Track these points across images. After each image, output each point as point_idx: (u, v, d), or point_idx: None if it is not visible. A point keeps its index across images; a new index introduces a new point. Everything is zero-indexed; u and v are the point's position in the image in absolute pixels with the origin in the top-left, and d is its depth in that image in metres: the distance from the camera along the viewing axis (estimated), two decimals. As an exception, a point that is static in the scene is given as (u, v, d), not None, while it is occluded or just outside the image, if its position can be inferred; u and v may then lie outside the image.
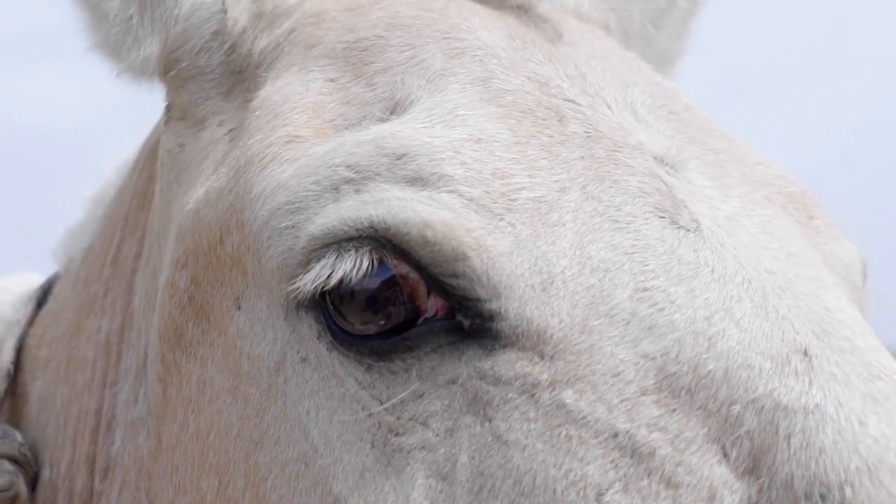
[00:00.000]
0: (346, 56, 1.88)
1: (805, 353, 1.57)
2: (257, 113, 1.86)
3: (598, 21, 2.28)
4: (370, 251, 1.63)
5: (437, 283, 1.61)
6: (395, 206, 1.63)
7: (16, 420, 2.17)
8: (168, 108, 2.04)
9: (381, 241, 1.63)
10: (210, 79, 1.99)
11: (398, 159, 1.67)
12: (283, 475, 1.71)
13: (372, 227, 1.63)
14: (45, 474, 2.13)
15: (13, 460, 2.08)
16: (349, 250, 1.64)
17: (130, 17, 2.00)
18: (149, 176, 2.13)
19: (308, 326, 1.70)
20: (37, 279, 2.35)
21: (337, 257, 1.64)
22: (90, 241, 2.24)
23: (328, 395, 1.68)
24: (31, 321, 2.26)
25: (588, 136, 1.75)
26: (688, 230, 1.67)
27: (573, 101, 1.81)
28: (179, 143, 1.99)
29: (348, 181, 1.68)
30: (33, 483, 2.11)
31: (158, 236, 2.01)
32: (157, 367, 1.92)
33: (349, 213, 1.65)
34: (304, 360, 1.71)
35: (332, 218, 1.66)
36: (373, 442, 1.63)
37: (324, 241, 1.66)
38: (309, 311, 1.69)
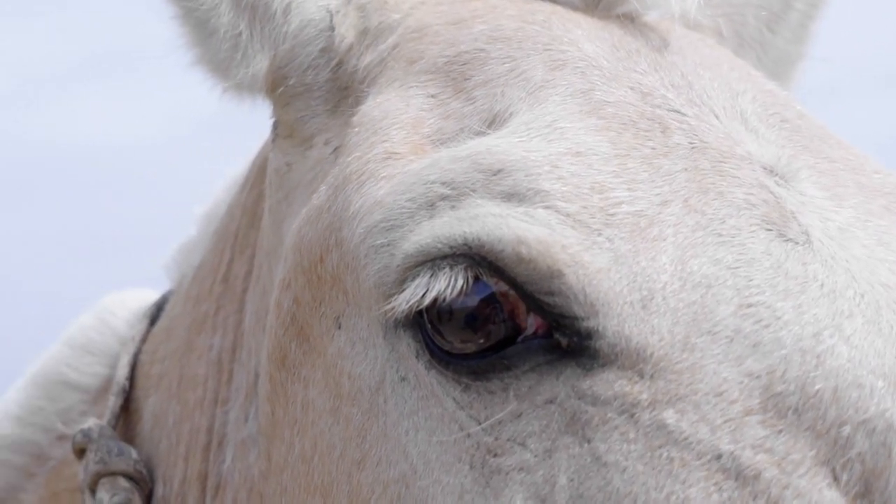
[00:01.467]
0: (447, 70, 1.85)
1: None
2: (357, 129, 1.84)
3: (710, 28, 2.22)
4: (465, 269, 1.61)
5: (534, 300, 1.58)
6: (489, 222, 1.61)
7: (129, 437, 2.19)
8: (275, 126, 2.03)
9: (475, 258, 1.60)
10: (317, 96, 1.97)
11: (494, 175, 1.64)
12: (385, 496, 1.69)
13: (466, 244, 1.61)
14: (159, 491, 2.14)
15: (129, 477, 2.09)
16: (444, 268, 1.61)
17: (240, 34, 1.99)
18: (258, 194, 2.13)
19: (406, 345, 1.68)
20: (150, 296, 2.38)
21: (431, 276, 1.62)
22: (201, 258, 2.26)
23: (427, 414, 1.66)
24: (144, 338, 2.28)
25: (693, 148, 1.70)
26: (796, 243, 1.61)
27: (678, 112, 1.76)
28: (287, 162, 1.98)
29: (444, 198, 1.66)
30: (148, 499, 2.12)
31: (268, 255, 2.01)
32: (266, 387, 1.92)
33: (443, 230, 1.63)
34: (403, 379, 1.69)
35: (427, 235, 1.64)
36: (471, 463, 1.61)
37: (418, 259, 1.64)
38: (407, 329, 1.67)
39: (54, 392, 2.30)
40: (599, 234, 1.60)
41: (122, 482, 2.08)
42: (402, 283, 1.65)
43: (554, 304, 1.57)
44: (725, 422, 1.50)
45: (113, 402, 2.20)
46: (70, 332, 2.34)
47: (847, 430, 1.47)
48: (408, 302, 1.63)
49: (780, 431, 1.49)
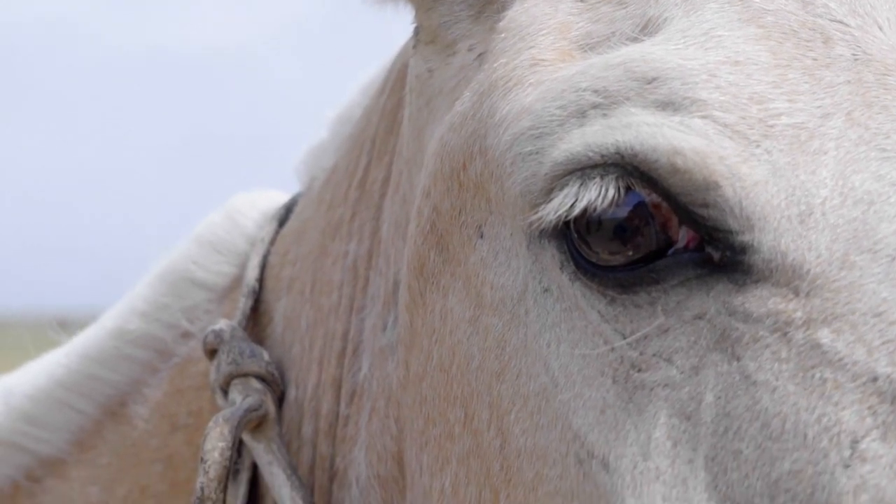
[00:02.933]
0: None
1: None
2: (503, 35, 1.79)
3: None
4: (616, 179, 1.56)
5: (687, 213, 1.54)
6: (643, 131, 1.56)
7: (259, 338, 2.19)
8: (416, 31, 1.99)
9: (627, 168, 1.56)
10: (460, 0, 1.92)
11: (649, 83, 1.59)
12: (525, 409, 1.68)
13: (619, 153, 1.56)
14: (291, 394, 2.14)
15: (261, 379, 2.10)
16: (594, 178, 1.57)
17: None
18: (398, 100, 2.10)
19: (551, 256, 1.65)
20: (280, 197, 2.37)
21: (581, 185, 1.58)
22: (334, 162, 2.24)
23: (570, 327, 1.63)
24: (273, 240, 2.27)
25: (856, 60, 1.63)
26: None
27: (841, 22, 1.69)
28: (429, 69, 1.94)
29: (595, 106, 1.61)
30: (279, 402, 2.13)
31: (408, 163, 1.99)
32: (405, 297, 1.91)
33: (595, 138, 1.58)
34: (546, 290, 1.66)
35: (577, 143, 1.60)
36: (614, 377, 1.58)
37: (567, 167, 1.60)
38: (552, 240, 1.64)
39: (180, 289, 2.30)
40: (758, 146, 1.54)
41: (255, 383, 2.09)
42: (549, 192, 1.62)
43: (708, 217, 1.53)
44: (883, 343, 1.45)
45: (243, 303, 2.20)
46: (199, 230, 2.33)
47: None
48: (556, 212, 1.59)
49: None
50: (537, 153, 1.65)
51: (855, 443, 1.43)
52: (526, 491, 1.66)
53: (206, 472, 1.96)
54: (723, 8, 1.67)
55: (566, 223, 1.61)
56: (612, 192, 1.56)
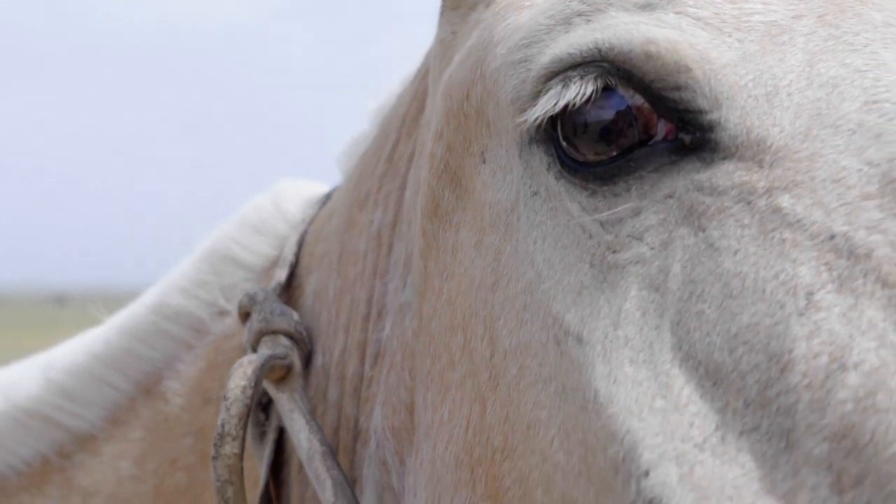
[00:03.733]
0: None
1: None
2: None
3: None
4: (595, 78, 1.65)
5: (661, 99, 1.62)
6: (620, 28, 1.66)
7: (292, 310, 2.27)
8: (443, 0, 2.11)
9: (605, 66, 1.65)
10: None
11: None
12: (513, 310, 1.74)
13: (597, 48, 1.65)
14: (318, 360, 2.21)
15: (289, 336, 2.17)
16: (574, 78, 1.66)
17: None
18: (432, 79, 2.19)
19: (539, 160, 1.73)
20: (323, 187, 2.49)
21: (563, 86, 1.67)
22: (367, 146, 2.36)
23: (555, 223, 1.71)
24: (311, 221, 2.38)
25: None
26: None
27: None
28: (452, 31, 2.04)
29: (580, 14, 1.72)
30: (306, 363, 2.20)
31: (428, 124, 2.07)
32: (420, 244, 1.98)
33: (576, 39, 1.68)
34: (535, 193, 1.74)
35: (561, 46, 1.69)
36: (591, 261, 1.65)
37: (552, 69, 1.69)
38: (540, 144, 1.73)
39: (220, 267, 2.40)
40: (730, 36, 1.63)
41: (283, 340, 2.17)
42: (536, 95, 1.71)
43: (680, 100, 1.61)
44: (841, 205, 1.50)
45: (279, 273, 2.30)
46: (243, 211, 2.44)
47: None
48: (542, 110, 1.68)
49: None
50: (526, 60, 1.75)
51: (810, 294, 1.47)
52: (510, 389, 1.72)
53: (228, 409, 2.02)
54: None
55: (553, 126, 1.70)
56: (590, 88, 1.64)
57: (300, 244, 2.35)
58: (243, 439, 2.03)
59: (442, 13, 2.11)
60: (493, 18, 1.88)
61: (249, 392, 2.04)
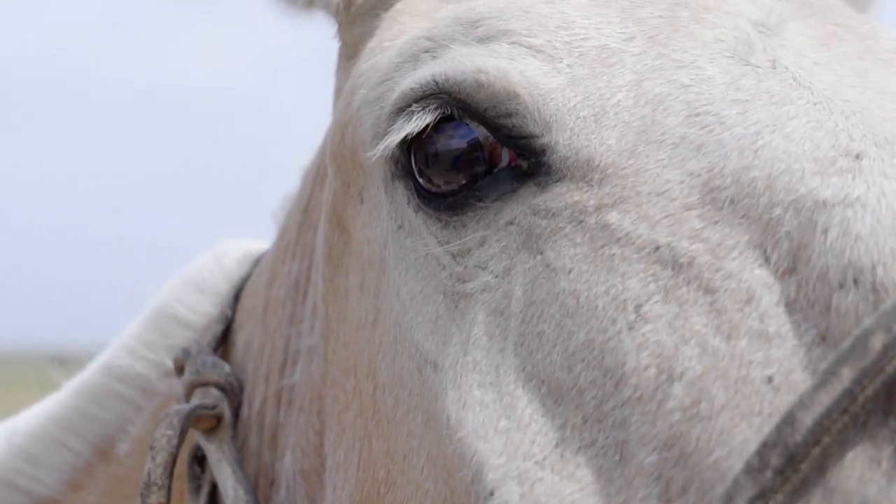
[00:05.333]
0: None
1: (857, 157, 1.50)
2: (382, 21, 1.97)
3: None
4: (434, 109, 1.70)
5: (496, 127, 1.66)
6: (457, 61, 1.71)
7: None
8: (340, 50, 2.15)
9: (443, 97, 1.70)
10: (378, 11, 2.05)
11: (472, 25, 1.75)
12: (388, 343, 1.79)
13: (434, 81, 1.71)
14: (245, 411, 2.24)
15: (220, 388, 2.20)
16: (416, 111, 1.71)
17: None
18: None
19: (401, 194, 1.79)
20: (265, 244, 2.55)
21: (406, 120, 1.72)
22: (294, 200, 2.42)
23: (416, 255, 1.75)
24: (247, 278, 2.43)
25: (675, 3, 1.75)
26: (757, 67, 1.64)
27: None
28: (347, 80, 2.06)
29: (426, 50, 1.77)
30: (236, 414, 2.23)
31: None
32: (321, 289, 2.03)
33: (419, 74, 1.74)
34: (399, 227, 1.79)
35: (407, 82, 1.75)
36: (445, 292, 1.70)
37: (399, 104, 1.75)
38: (401, 179, 1.78)
39: (165, 327, 2.45)
40: (560, 62, 1.67)
41: (214, 391, 2.20)
42: (388, 131, 1.76)
43: (513, 126, 1.65)
44: (665, 217, 1.54)
45: (215, 327, 2.34)
46: (187, 270, 2.50)
47: (778, 211, 1.49)
48: (388, 142, 1.74)
49: (717, 222, 1.51)
50: (380, 98, 1.82)
51: (639, 307, 1.51)
52: (389, 422, 1.76)
53: (154, 459, 2.06)
54: None
55: (408, 159, 1.75)
56: (428, 119, 1.70)
57: (236, 299, 2.41)
58: (169, 489, 2.06)
59: (338, 63, 2.17)
60: (361, 61, 1.94)
61: (175, 441, 2.07)
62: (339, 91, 2.14)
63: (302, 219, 2.28)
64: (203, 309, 2.46)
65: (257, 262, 2.47)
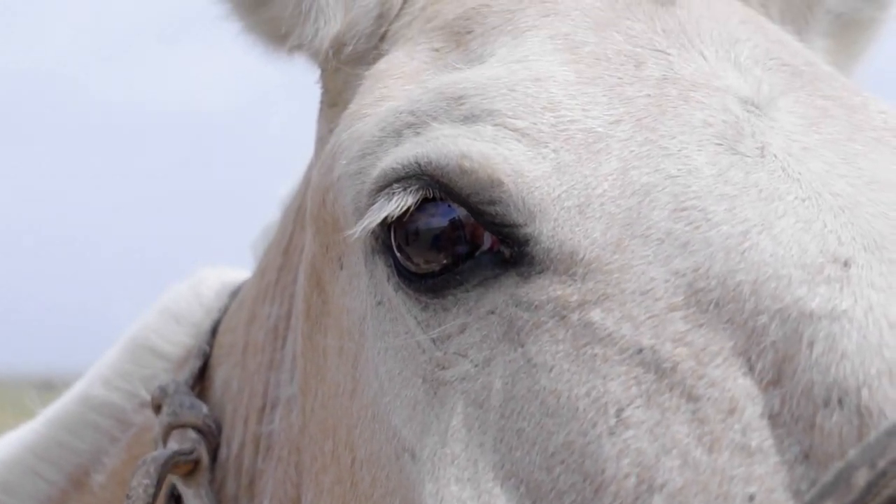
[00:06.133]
0: (453, 26, 1.92)
1: (845, 264, 1.48)
2: (365, 80, 1.93)
3: None
4: (416, 190, 1.67)
5: (479, 213, 1.63)
6: (440, 142, 1.68)
7: (203, 402, 2.27)
8: (322, 96, 2.12)
9: (425, 179, 1.67)
10: (364, 62, 2.02)
11: (455, 101, 1.71)
12: (366, 420, 1.77)
13: (417, 163, 1.67)
14: (223, 453, 2.23)
15: (197, 430, 2.20)
16: (398, 191, 1.68)
17: None
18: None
19: (381, 270, 1.76)
20: (243, 273, 2.52)
21: (387, 199, 1.69)
22: (272, 236, 2.40)
23: (395, 334, 1.73)
24: (225, 310, 2.41)
25: (664, 79, 1.72)
26: (746, 156, 1.61)
27: (661, 51, 1.77)
28: (330, 129, 2.04)
29: (409, 125, 1.74)
30: (214, 455, 2.23)
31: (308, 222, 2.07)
32: (300, 343, 2.02)
33: (402, 153, 1.70)
34: (379, 303, 1.77)
35: (390, 160, 1.72)
36: (424, 377, 1.68)
37: (380, 183, 1.71)
38: (381, 254, 1.75)
39: (141, 358, 2.44)
40: (546, 146, 1.64)
41: (191, 434, 2.19)
42: (370, 207, 1.73)
43: (496, 214, 1.62)
44: (649, 318, 1.52)
45: (193, 363, 2.33)
46: (163, 300, 2.48)
47: (763, 319, 1.47)
48: (368, 222, 1.71)
49: (701, 325, 1.49)
50: (360, 172, 1.78)
51: (620, 411, 1.49)
52: (366, 499, 1.75)
53: None
54: (543, 41, 1.79)
55: (388, 235, 1.72)
56: (409, 201, 1.67)
57: (213, 333, 2.39)
58: None
59: (321, 110, 2.13)
60: (342, 125, 1.90)
61: (151, 490, 2.06)
62: (320, 139, 2.10)
63: (282, 260, 2.26)
64: (179, 340, 2.45)
65: (235, 293, 2.45)
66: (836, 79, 1.89)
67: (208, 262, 2.58)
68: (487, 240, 1.65)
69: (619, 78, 1.72)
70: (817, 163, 1.63)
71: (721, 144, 1.63)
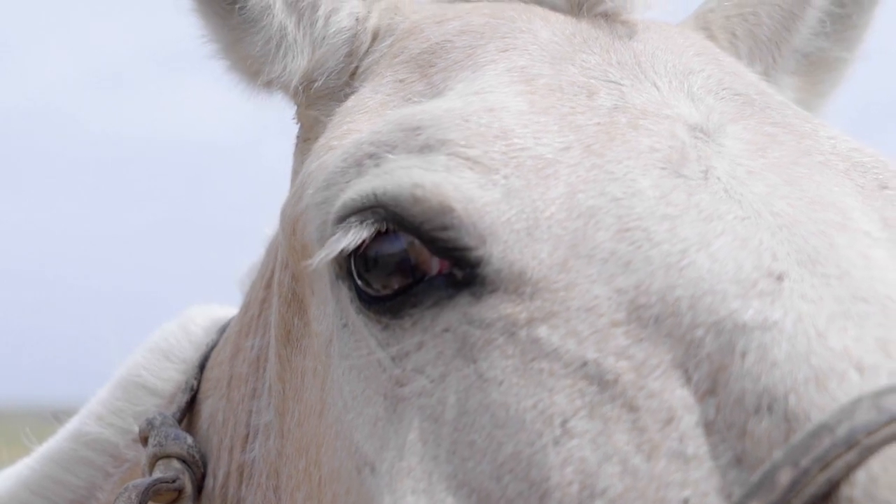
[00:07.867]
0: (418, 59, 2.01)
1: (778, 278, 1.54)
2: (334, 116, 2.02)
3: (721, 27, 2.30)
4: (371, 223, 1.74)
5: (431, 239, 1.70)
6: (396, 174, 1.74)
7: (191, 435, 2.32)
8: (298, 129, 2.20)
9: (380, 211, 1.73)
10: (335, 98, 2.11)
11: (412, 132, 1.78)
12: (330, 438, 1.84)
13: (374, 194, 1.74)
14: (209, 484, 2.28)
15: (182, 460, 2.25)
16: (354, 223, 1.75)
17: (285, 34, 2.13)
18: None
19: (345, 294, 1.83)
20: (232, 310, 2.59)
21: (344, 232, 1.76)
22: (257, 272, 2.47)
23: (358, 355, 1.80)
24: (213, 346, 2.48)
25: (615, 108, 1.80)
26: (689, 178, 1.68)
27: (614, 82, 1.85)
28: (302, 161, 2.11)
29: (370, 156, 1.81)
30: (199, 484, 2.28)
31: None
32: (277, 367, 2.08)
33: (361, 185, 1.77)
34: (344, 326, 1.84)
35: (351, 191, 1.79)
36: (384, 394, 1.74)
37: (341, 214, 1.78)
38: (344, 280, 1.82)
39: (133, 395, 2.50)
40: (496, 173, 1.71)
41: (176, 464, 2.24)
42: (328, 240, 1.79)
43: (448, 239, 1.68)
44: (593, 333, 1.58)
45: (180, 398, 2.39)
46: (153, 338, 2.55)
47: (700, 332, 1.53)
48: (325, 254, 1.78)
49: (642, 340, 1.56)
50: (325, 202, 1.85)
51: (565, 422, 1.55)
52: None
53: None
54: (500, 74, 1.87)
55: (349, 263, 1.79)
56: (364, 234, 1.74)
57: (201, 368, 2.45)
58: None
59: (296, 144, 2.22)
60: (311, 157, 1.98)
61: None
62: (294, 172, 2.18)
63: (264, 294, 2.32)
64: (170, 376, 2.50)
65: (224, 329, 2.51)
66: (788, 107, 1.96)
67: (200, 300, 2.65)
68: (435, 266, 1.71)
69: (572, 107, 1.80)
70: (760, 185, 1.69)
71: (665, 168, 1.69)
